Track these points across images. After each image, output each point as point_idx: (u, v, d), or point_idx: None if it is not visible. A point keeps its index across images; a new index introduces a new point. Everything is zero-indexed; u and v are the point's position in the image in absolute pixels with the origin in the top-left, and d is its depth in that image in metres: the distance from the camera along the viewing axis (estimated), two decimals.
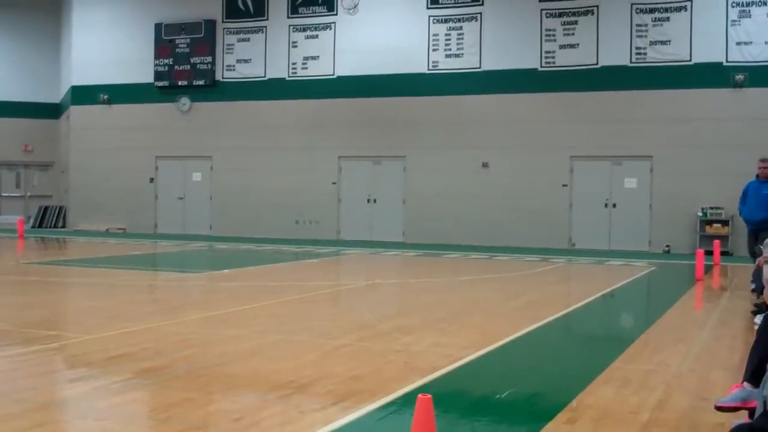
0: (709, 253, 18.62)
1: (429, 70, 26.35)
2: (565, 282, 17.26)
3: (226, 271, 17.31)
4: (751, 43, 23.08)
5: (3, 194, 33.22)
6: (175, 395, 6.45)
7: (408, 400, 6.23)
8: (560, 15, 24.97)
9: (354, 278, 17.33)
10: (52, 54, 32.91)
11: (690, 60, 23.70)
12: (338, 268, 19.63)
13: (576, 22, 24.84)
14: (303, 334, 9.36)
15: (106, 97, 30.48)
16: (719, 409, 5.43)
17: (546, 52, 25.12)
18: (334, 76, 27.54)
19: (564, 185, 24.96)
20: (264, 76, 28.60)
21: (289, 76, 28.24)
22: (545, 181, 24.97)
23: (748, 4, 23.11)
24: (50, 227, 31.79)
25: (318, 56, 27.78)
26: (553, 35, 25.04)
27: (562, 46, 24.95)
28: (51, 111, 32.93)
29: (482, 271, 17.92)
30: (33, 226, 31.63)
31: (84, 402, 6.38)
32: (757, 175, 14.10)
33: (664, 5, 23.96)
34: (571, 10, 24.86)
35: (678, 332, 9.98)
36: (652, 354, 8.49)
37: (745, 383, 5.30)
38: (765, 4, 22.98)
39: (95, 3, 30.83)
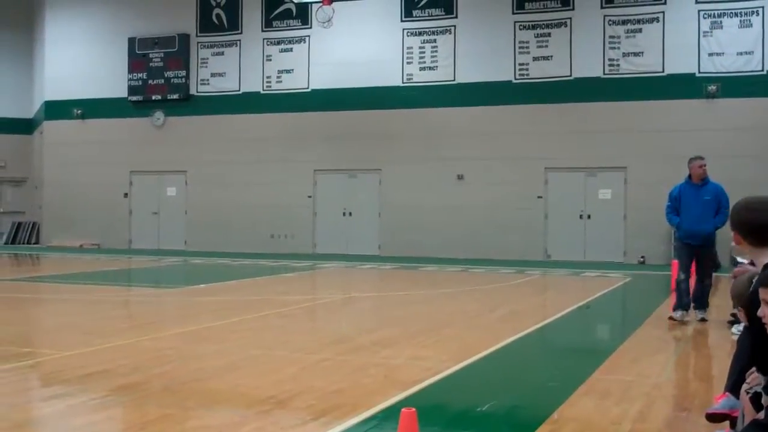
0: None
1: (403, 82, 26.39)
2: (542, 294, 17.29)
3: (202, 286, 17.20)
4: (723, 53, 23.29)
5: None
6: (152, 412, 6.37)
7: (389, 414, 6.19)
8: (533, 27, 25.10)
9: (331, 292, 17.28)
10: (25, 69, 32.63)
11: (663, 71, 23.88)
12: (315, 282, 19.58)
13: (549, 34, 24.97)
14: (281, 349, 9.30)
15: (79, 112, 30.29)
16: (710, 416, 5.43)
17: (520, 64, 25.23)
18: (309, 90, 27.53)
19: (539, 197, 25.03)
20: (238, 90, 28.54)
21: (263, 90, 28.19)
22: (520, 192, 25.03)
23: (719, 15, 23.33)
24: (23, 243, 31.49)
25: (292, 69, 27.76)
26: (527, 47, 25.16)
27: (535, 58, 25.07)
28: (24, 126, 32.63)
29: (459, 284, 17.91)
30: (6, 243, 31.33)
31: (61, 420, 6.29)
32: (689, 177, 11.94)
33: (636, 17, 24.14)
34: (545, 23, 24.99)
35: (656, 343, 10.00)
36: (631, 365, 8.50)
37: (728, 393, 5.30)
38: (736, 15, 23.20)
39: (68, 18, 30.67)
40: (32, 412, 6.61)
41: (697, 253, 11.69)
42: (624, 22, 24.24)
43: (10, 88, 32.51)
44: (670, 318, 11.59)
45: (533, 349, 10.06)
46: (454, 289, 16.85)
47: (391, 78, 26.44)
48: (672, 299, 12.49)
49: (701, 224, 11.59)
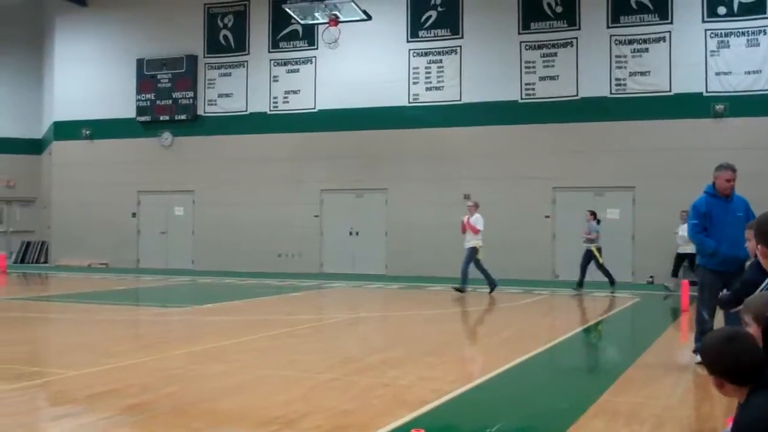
0: (694, 283, 18.56)
1: (410, 103, 26.44)
2: (550, 314, 17.23)
3: (209, 305, 17.19)
4: (730, 73, 23.28)
5: None
6: None
7: None
8: (539, 47, 25.14)
9: (338, 311, 17.26)
10: (34, 89, 32.80)
11: (670, 90, 23.86)
12: (322, 302, 19.56)
13: (555, 54, 25.01)
14: (289, 369, 9.29)
15: (88, 132, 30.40)
16: None
17: (526, 84, 25.25)
18: (316, 110, 27.59)
19: (546, 216, 25.00)
20: (245, 110, 28.62)
21: (270, 110, 28.27)
22: (527, 212, 25.00)
23: (726, 35, 23.35)
24: (32, 263, 31.55)
25: (299, 90, 27.84)
26: (533, 67, 25.19)
27: (542, 78, 25.09)
28: (33, 146, 32.76)
29: (466, 304, 17.88)
30: (15, 262, 31.36)
31: None
32: (713, 187, 9.64)
33: (643, 36, 24.16)
34: (551, 42, 25.03)
35: (666, 364, 9.96)
36: (641, 386, 8.46)
37: None
38: (744, 34, 23.22)
39: (77, 39, 30.83)
40: None
41: (727, 282, 9.05)
42: (630, 42, 24.27)
43: (19, 109, 32.69)
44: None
45: (542, 370, 10.02)
46: (461, 309, 16.82)
47: (398, 98, 26.50)
48: (683, 319, 11.50)
49: (739, 248, 8.65)
